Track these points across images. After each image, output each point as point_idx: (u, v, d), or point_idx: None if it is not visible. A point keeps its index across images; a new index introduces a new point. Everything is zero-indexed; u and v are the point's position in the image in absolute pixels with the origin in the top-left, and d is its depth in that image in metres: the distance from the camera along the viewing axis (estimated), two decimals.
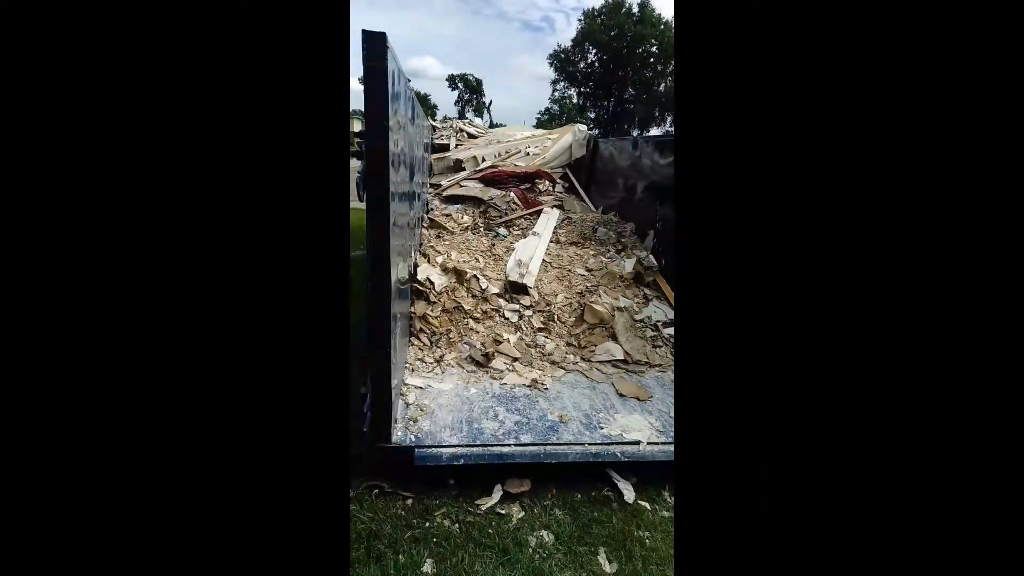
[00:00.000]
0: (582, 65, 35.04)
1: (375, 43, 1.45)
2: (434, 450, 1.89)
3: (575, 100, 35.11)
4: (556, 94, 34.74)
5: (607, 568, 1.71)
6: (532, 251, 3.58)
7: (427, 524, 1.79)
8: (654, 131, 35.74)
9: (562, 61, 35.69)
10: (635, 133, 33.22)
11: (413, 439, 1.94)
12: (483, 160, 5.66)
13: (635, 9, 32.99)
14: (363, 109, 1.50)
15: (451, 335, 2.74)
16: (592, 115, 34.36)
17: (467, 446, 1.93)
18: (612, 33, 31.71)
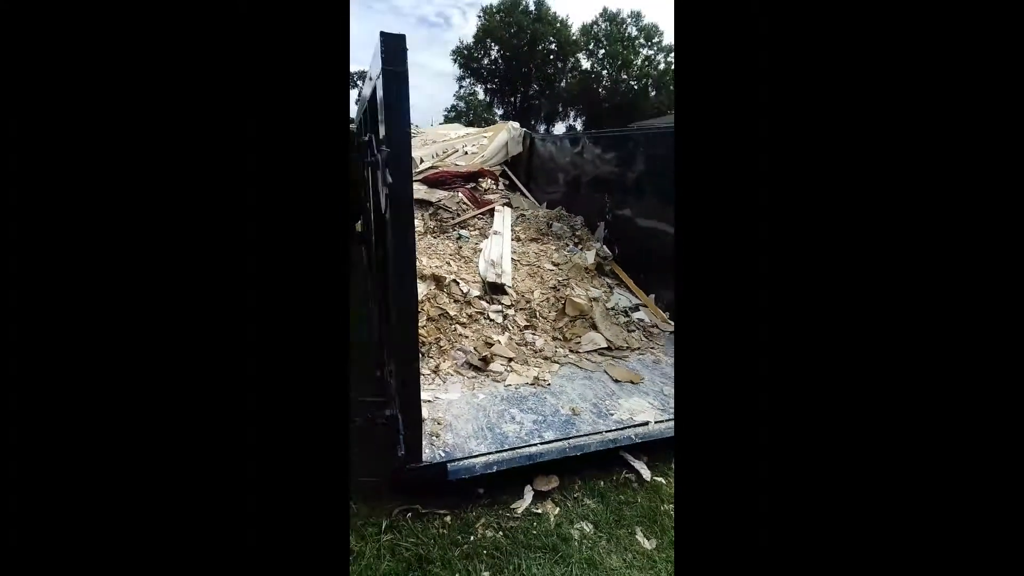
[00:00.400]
0: (486, 62, 35.25)
1: (394, 45, 1.37)
2: (466, 462, 1.86)
3: (482, 96, 35.30)
4: (462, 91, 34.62)
5: (647, 545, 1.80)
6: (500, 250, 3.59)
7: (471, 538, 1.75)
8: (559, 126, 37.11)
9: (465, 58, 35.60)
10: (542, 128, 34.22)
11: (442, 455, 1.88)
12: (422, 161, 5.52)
13: (531, 7, 33.89)
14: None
15: (441, 343, 2.67)
16: (499, 111, 34.79)
17: (497, 452, 1.92)
18: (512, 30, 32.30)
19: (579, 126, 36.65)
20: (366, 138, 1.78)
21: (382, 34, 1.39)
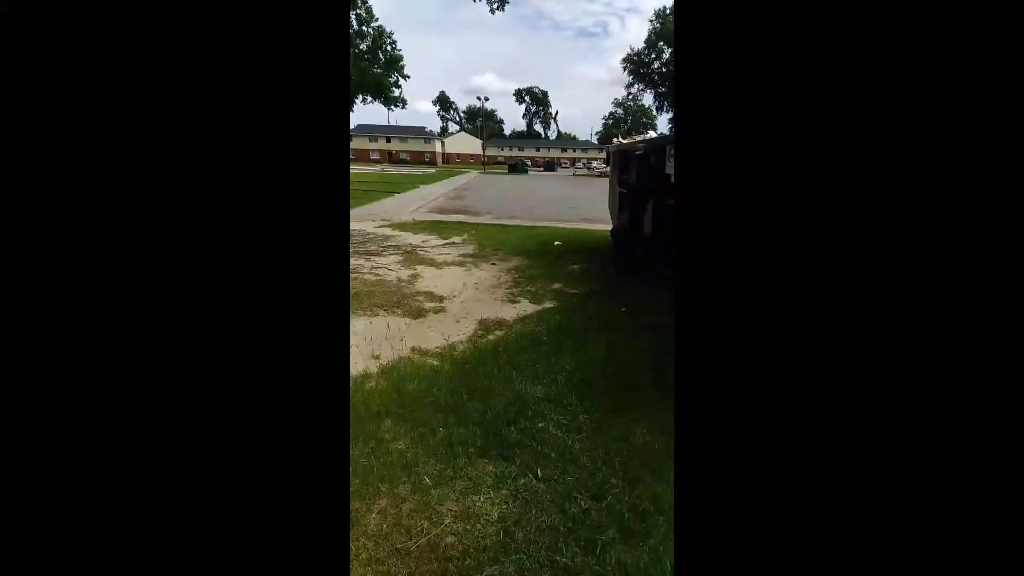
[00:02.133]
0: (656, 65, 34.48)
1: None
2: None
3: (652, 101, 34.59)
4: (630, 98, 34.46)
5: None
6: None
7: None
8: None
9: (635, 64, 35.34)
10: None
11: None
12: None
13: None
14: None
15: None
16: (669, 114, 33.53)
17: None
18: None
19: None
20: None
21: None
